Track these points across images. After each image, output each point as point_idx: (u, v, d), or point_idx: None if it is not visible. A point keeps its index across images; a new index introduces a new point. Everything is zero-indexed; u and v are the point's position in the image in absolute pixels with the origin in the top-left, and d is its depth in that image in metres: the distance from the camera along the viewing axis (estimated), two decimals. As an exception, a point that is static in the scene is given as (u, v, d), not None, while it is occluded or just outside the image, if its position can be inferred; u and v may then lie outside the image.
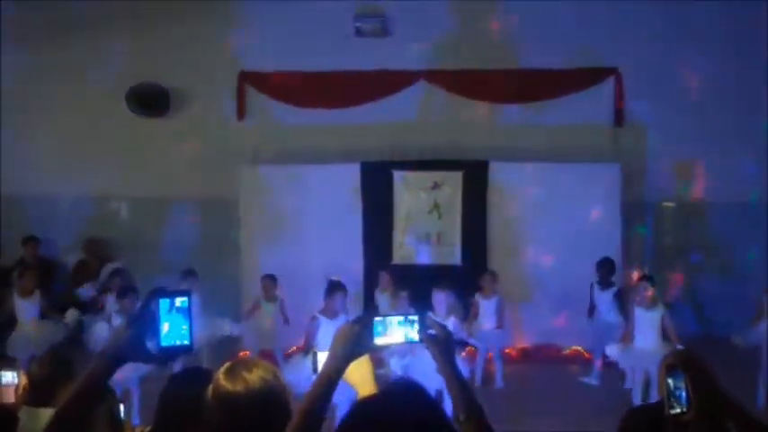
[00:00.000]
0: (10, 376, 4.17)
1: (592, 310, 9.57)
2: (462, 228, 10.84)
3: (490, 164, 10.84)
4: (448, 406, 2.33)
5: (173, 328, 2.25)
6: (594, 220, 10.53)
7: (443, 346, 2.37)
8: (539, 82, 11.05)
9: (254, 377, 2.42)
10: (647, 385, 8.00)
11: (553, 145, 10.84)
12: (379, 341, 2.35)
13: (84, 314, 9.60)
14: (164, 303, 2.24)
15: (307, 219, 10.79)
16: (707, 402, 2.55)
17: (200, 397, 3.19)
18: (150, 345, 2.23)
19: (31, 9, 11.06)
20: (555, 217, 10.54)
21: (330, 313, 7.97)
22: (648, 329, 8.08)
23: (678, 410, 2.63)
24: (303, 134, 11.20)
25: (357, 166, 10.93)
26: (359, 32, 11.11)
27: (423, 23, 11.00)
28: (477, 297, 9.53)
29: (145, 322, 2.22)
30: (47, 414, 3.79)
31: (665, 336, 8.04)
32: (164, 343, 2.24)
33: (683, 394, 2.63)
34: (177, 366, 6.13)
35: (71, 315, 9.77)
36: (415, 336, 2.38)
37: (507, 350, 10.07)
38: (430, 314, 2.44)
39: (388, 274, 9.92)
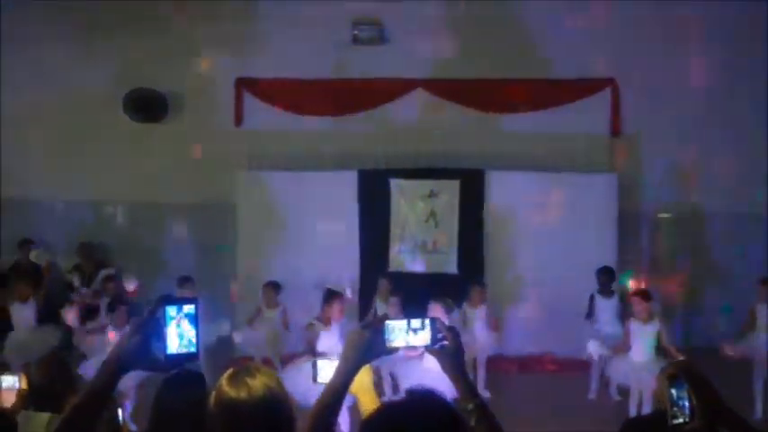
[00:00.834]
0: (11, 380, 4.17)
1: (589, 316, 9.52)
2: (458, 236, 10.86)
3: (486, 173, 10.87)
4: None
5: (179, 335, 2.24)
6: (590, 229, 10.55)
7: (454, 351, 2.36)
8: (536, 91, 11.10)
9: (258, 384, 2.42)
10: (640, 397, 7.97)
11: (550, 154, 10.87)
12: (390, 346, 2.35)
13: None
14: (171, 311, 2.24)
15: (303, 225, 10.80)
16: (709, 413, 2.56)
17: (195, 401, 3.19)
18: (156, 352, 2.22)
19: (29, 13, 11.07)
20: (551, 226, 10.57)
21: (326, 321, 7.96)
22: (643, 343, 8.03)
23: (681, 420, 2.64)
24: (300, 141, 11.21)
25: (354, 173, 10.95)
26: (356, 40, 11.14)
27: (420, 32, 11.02)
28: (465, 306, 9.55)
29: (151, 329, 2.21)
30: (45, 418, 3.82)
31: (660, 350, 7.99)
32: (170, 350, 2.23)
33: (686, 404, 2.63)
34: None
35: (68, 315, 9.78)
36: (426, 341, 2.36)
37: (499, 359, 10.04)
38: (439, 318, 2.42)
39: (387, 281, 9.90)
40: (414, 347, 2.38)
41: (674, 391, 2.68)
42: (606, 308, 9.37)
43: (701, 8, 10.61)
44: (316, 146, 11.15)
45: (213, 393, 2.46)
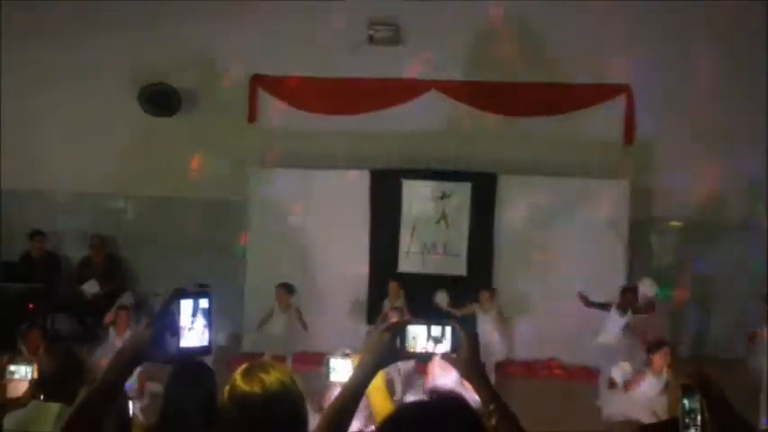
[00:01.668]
0: (23, 371, 4.18)
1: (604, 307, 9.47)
2: (469, 239, 10.84)
3: (499, 176, 10.84)
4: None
5: (193, 329, 2.25)
6: (601, 235, 10.52)
7: (469, 356, 2.31)
8: (550, 96, 11.05)
9: (272, 379, 2.41)
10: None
11: (562, 160, 10.82)
12: (408, 351, 2.31)
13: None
14: (185, 304, 2.24)
15: (314, 223, 10.82)
16: (722, 425, 2.54)
17: (204, 394, 3.20)
18: (169, 345, 2.22)
19: (45, 6, 11.09)
20: (562, 231, 10.56)
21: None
22: (651, 391, 7.97)
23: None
24: (313, 139, 11.19)
25: (366, 173, 10.94)
26: (372, 40, 11.12)
27: (436, 33, 10.99)
28: (476, 311, 9.53)
29: (165, 322, 2.21)
30: (56, 408, 3.82)
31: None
32: (183, 344, 2.23)
33: (698, 416, 2.62)
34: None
35: (90, 286, 9.81)
36: (445, 347, 2.31)
37: (507, 363, 10.05)
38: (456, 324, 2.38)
39: (397, 284, 9.89)
40: (430, 355, 2.33)
41: (686, 402, 2.66)
42: (618, 324, 9.34)
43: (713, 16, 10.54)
44: (328, 145, 11.14)
45: (227, 388, 2.46)
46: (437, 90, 11.20)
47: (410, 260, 10.89)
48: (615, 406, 8.21)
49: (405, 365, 8.27)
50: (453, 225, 10.87)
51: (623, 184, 10.72)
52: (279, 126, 11.36)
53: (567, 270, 10.42)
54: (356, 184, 10.89)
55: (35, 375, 4.13)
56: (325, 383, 3.36)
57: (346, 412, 2.17)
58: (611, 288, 9.76)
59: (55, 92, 11.34)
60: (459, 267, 10.82)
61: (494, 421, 2.18)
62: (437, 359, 2.35)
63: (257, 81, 11.43)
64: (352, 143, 11.12)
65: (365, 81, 11.22)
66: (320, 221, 10.79)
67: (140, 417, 5.77)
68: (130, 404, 3.64)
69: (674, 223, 11.31)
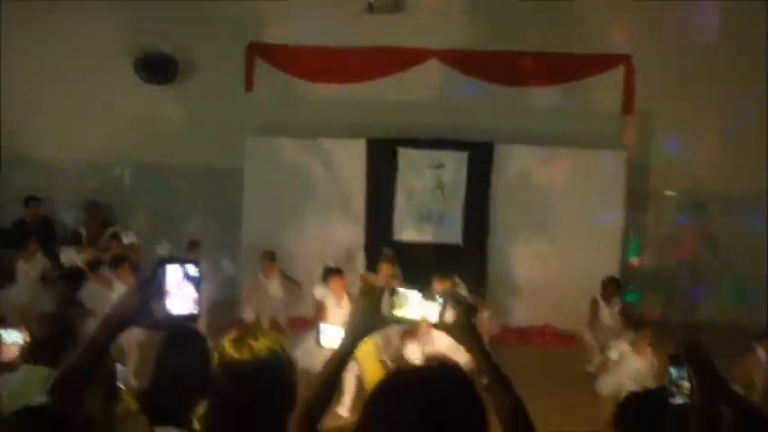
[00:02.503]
0: (14, 335, 4.18)
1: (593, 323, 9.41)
2: (465, 208, 10.84)
3: (496, 146, 10.81)
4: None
5: (180, 295, 2.24)
6: (597, 205, 10.53)
7: (463, 324, 2.30)
8: (549, 66, 10.98)
9: (261, 346, 2.40)
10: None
11: (560, 129, 10.78)
12: (397, 313, 2.30)
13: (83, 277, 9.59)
14: (173, 270, 2.23)
15: (310, 191, 10.82)
16: (709, 393, 2.55)
17: (196, 360, 3.20)
18: (156, 310, 2.22)
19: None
20: (558, 201, 10.57)
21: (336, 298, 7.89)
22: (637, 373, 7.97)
23: (680, 401, 2.63)
24: (310, 108, 11.15)
25: (363, 141, 10.90)
26: (371, 8, 11.02)
27: (435, 2, 10.92)
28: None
29: (152, 288, 2.21)
30: (45, 372, 3.83)
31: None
32: (170, 309, 2.23)
33: (686, 384, 2.62)
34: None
35: (67, 256, 9.86)
36: (434, 317, 2.30)
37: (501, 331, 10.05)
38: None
39: (392, 252, 9.83)
40: (419, 321, 2.32)
41: (673, 370, 2.67)
42: (609, 313, 9.34)
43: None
44: (325, 113, 11.08)
45: (216, 355, 2.46)
46: (437, 59, 11.14)
47: (406, 229, 10.89)
48: (609, 383, 8.21)
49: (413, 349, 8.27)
50: (449, 194, 10.86)
51: (621, 154, 10.69)
52: (276, 94, 11.32)
53: (562, 239, 10.45)
54: (353, 153, 10.87)
55: (26, 339, 4.13)
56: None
57: (332, 378, 2.17)
58: (606, 257, 9.77)
59: (51, 59, 11.28)
60: (454, 236, 10.84)
61: (485, 383, 2.17)
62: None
63: (254, 49, 11.35)
64: (349, 112, 11.07)
65: (364, 50, 11.14)
66: (316, 189, 10.79)
67: (132, 380, 5.78)
68: (118, 368, 3.64)
69: (670, 192, 11.30)
